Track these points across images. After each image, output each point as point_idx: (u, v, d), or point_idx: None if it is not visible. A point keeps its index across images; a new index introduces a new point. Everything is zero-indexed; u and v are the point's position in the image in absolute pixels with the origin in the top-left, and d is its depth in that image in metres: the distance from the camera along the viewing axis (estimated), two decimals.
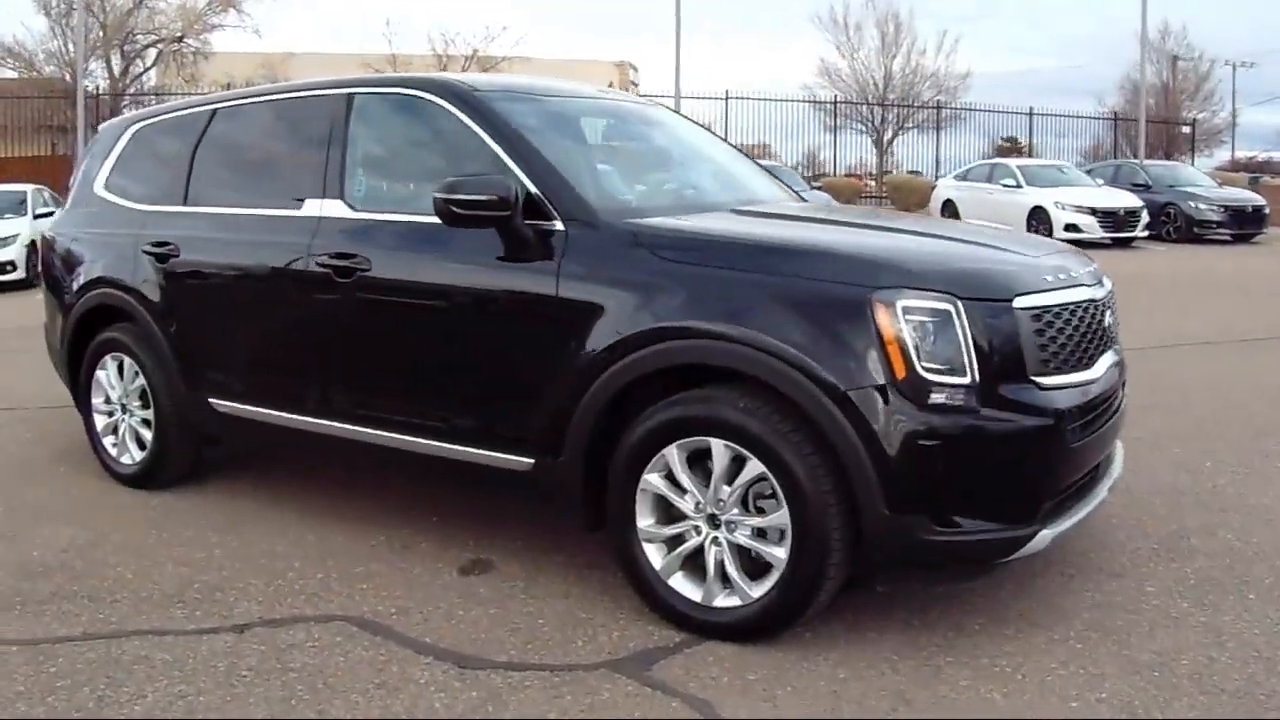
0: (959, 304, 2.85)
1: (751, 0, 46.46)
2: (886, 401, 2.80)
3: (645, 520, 3.14)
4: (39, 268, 13.57)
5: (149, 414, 4.55)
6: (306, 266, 3.84)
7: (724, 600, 3.05)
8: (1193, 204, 18.72)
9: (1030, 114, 26.57)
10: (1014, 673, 2.88)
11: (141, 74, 30.04)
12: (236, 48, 31.62)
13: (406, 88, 3.89)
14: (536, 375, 3.31)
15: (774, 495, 2.94)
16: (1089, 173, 20.23)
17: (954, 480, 2.83)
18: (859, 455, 2.82)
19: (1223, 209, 18.64)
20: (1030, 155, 25.81)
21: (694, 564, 3.11)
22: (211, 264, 4.25)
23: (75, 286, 4.78)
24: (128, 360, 4.59)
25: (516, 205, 3.27)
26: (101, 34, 28.29)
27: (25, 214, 14.05)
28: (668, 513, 3.14)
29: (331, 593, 3.47)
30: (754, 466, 2.95)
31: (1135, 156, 26.33)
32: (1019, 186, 18.36)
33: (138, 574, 3.65)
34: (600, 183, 3.73)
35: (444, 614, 3.30)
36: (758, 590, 2.99)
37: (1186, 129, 29.70)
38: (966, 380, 2.83)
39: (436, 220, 3.43)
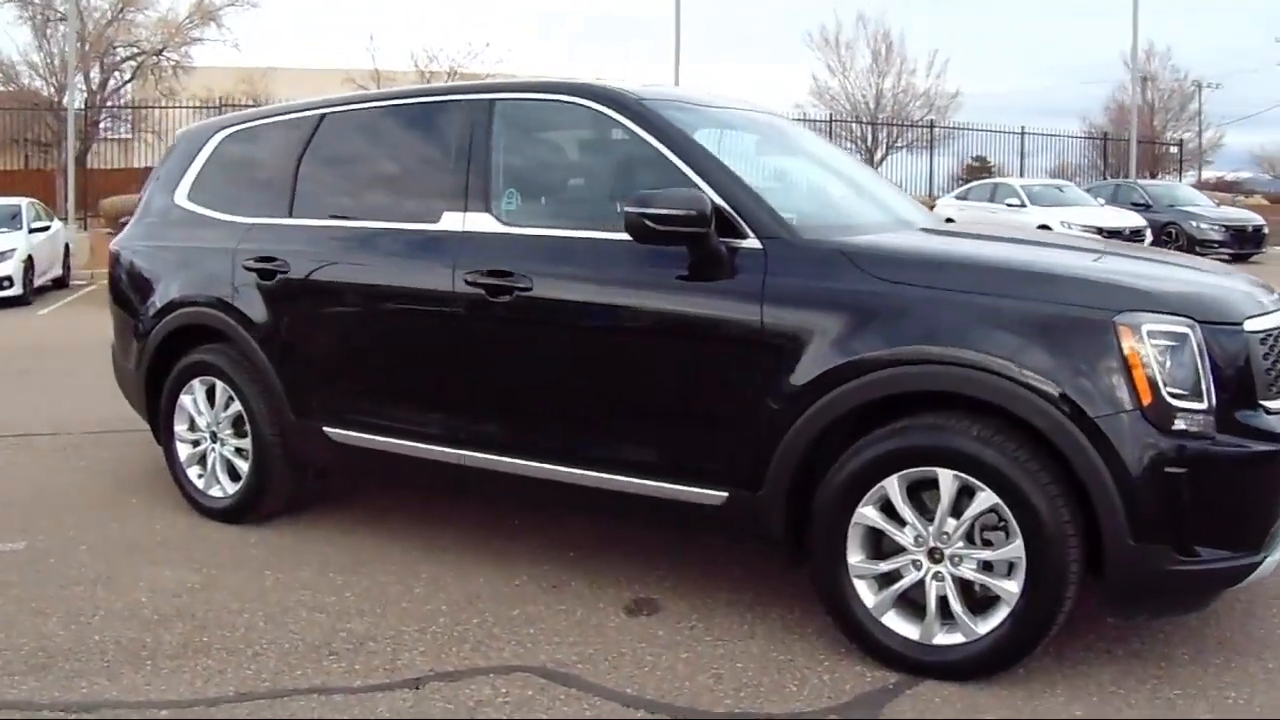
0: (1197, 328, 2.74)
1: (746, 21, 46.61)
2: (1134, 429, 2.69)
3: (856, 556, 2.95)
4: (34, 283, 13.16)
5: (245, 443, 4.19)
6: (452, 285, 3.53)
7: (944, 638, 2.87)
8: (1194, 223, 18.85)
9: (1022, 133, 26.77)
10: (1247, 704, 2.77)
11: (119, 88, 29.40)
12: (215, 62, 31.06)
13: (559, 94, 3.62)
14: (734, 403, 3.07)
15: (1002, 527, 2.80)
16: (1088, 192, 20.32)
17: (1196, 508, 2.70)
18: (1105, 485, 2.68)
19: (1224, 228, 18.79)
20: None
21: (905, 600, 2.94)
22: (330, 281, 3.92)
23: (156, 305, 4.41)
24: (220, 385, 4.23)
25: (713, 221, 3.05)
26: (79, 46, 27.60)
27: (20, 228, 13.48)
28: (879, 547, 2.95)
29: (497, 639, 3.16)
30: (986, 498, 2.78)
31: (1112, 177, 26.64)
32: (1023, 206, 18.38)
33: (270, 621, 3.30)
34: (779, 197, 3.48)
35: (632, 660, 3.01)
36: (984, 626, 2.83)
37: (1174, 149, 30.14)
38: (1205, 405, 2.71)
39: (609, 236, 3.29)
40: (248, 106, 27.97)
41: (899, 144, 27.36)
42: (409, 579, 3.65)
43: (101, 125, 28.42)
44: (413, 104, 4.02)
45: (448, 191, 3.66)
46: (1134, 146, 24.62)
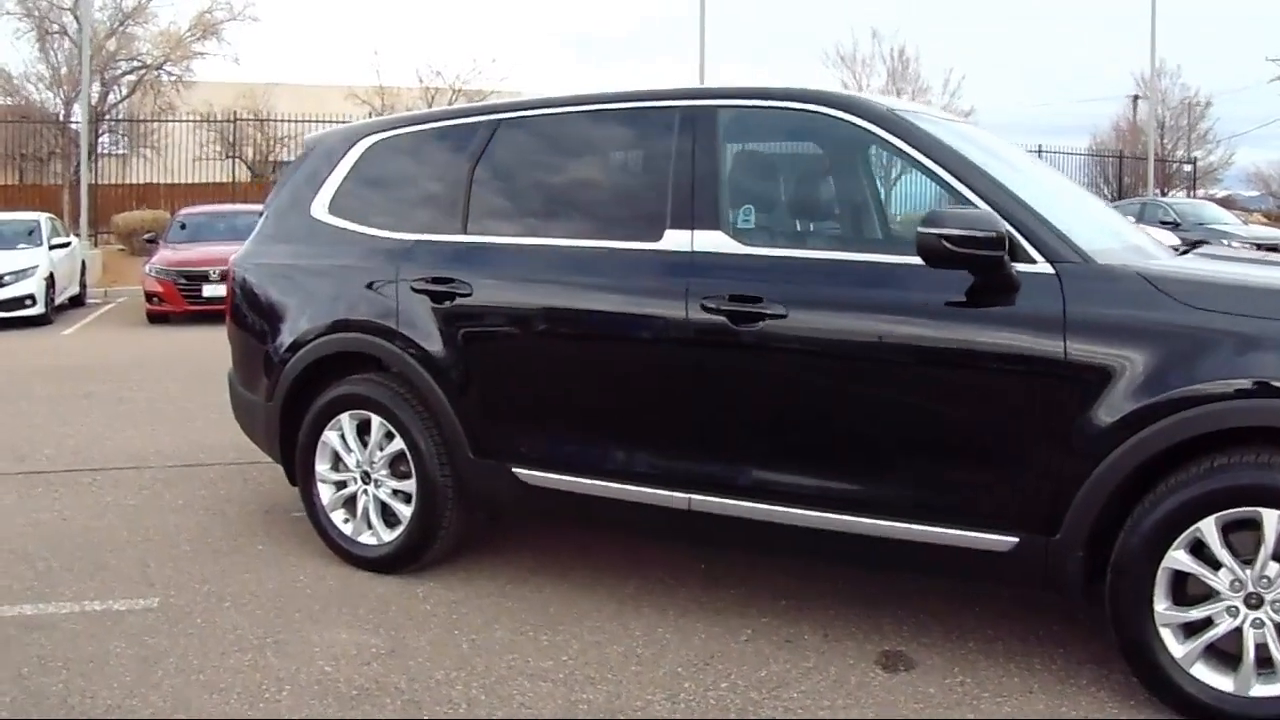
0: None
1: (763, 39, 46.28)
2: None
3: (1163, 603, 2.70)
4: (54, 301, 12.59)
5: (406, 485, 3.75)
6: (685, 312, 3.15)
7: (1262, 688, 2.62)
8: (1226, 242, 18.68)
9: (1039, 151, 26.65)
10: None
11: (118, 103, 28.88)
12: (216, 78, 30.61)
13: (798, 101, 3.27)
14: (1030, 441, 2.78)
15: None
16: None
17: None
18: None
19: (1255, 247, 18.62)
20: None
21: (1214, 650, 2.68)
22: (524, 305, 3.52)
23: (295, 330, 3.96)
24: (376, 420, 3.78)
25: (1006, 243, 2.78)
26: (89, 56, 27.06)
27: (40, 244, 12.92)
28: (1184, 593, 2.70)
29: (760, 705, 2.81)
30: None
31: (1116, 196, 26.56)
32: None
33: (490, 693, 2.88)
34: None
35: None
36: None
37: (1188, 166, 30.14)
38: None
39: (876, 258, 3.07)
40: (249, 121, 27.55)
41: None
42: (622, 637, 3.24)
43: (100, 140, 27.83)
44: (616, 110, 3.62)
45: (668, 207, 3.28)
46: (1151, 165, 24.54)
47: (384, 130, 4.11)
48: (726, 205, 3.25)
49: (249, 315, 4.23)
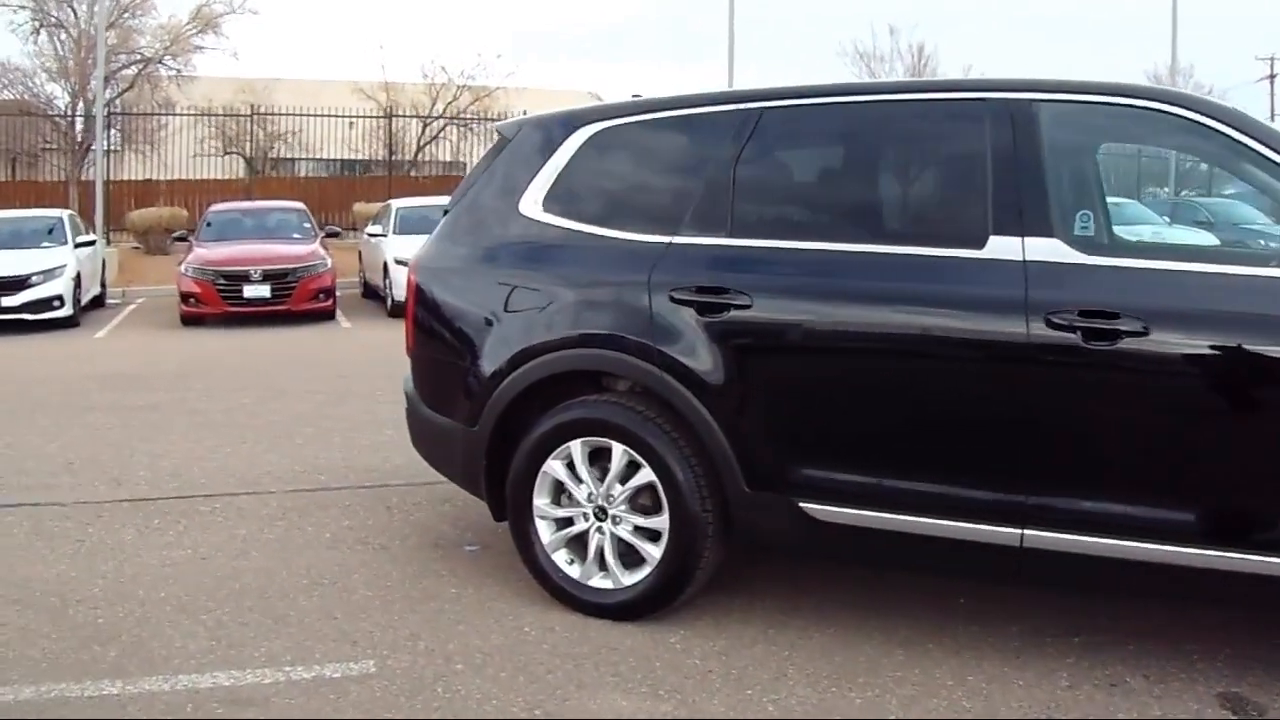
0: None
1: (781, 35, 45.67)
2: None
3: None
4: (81, 302, 11.86)
5: (653, 520, 3.23)
6: (1023, 327, 2.76)
7: None
8: (1262, 241, 18.40)
9: None
10: None
11: (115, 97, 28.04)
12: (215, 73, 29.82)
13: (1129, 97, 2.92)
14: None
15: None
16: None
17: None
18: None
19: None
20: None
21: None
22: (821, 319, 3.06)
23: (509, 345, 3.40)
24: (619, 447, 3.25)
25: None
26: (75, 53, 26.21)
27: (65, 242, 12.20)
28: None
29: None
30: None
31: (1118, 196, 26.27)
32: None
33: None
34: None
35: None
36: None
37: (1204, 165, 30.06)
38: None
39: (1252, 272, 2.78)
40: (267, 115, 26.74)
41: None
42: (935, 688, 2.82)
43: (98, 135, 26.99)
44: (911, 101, 3.16)
45: (987, 211, 2.88)
46: (1173, 162, 24.27)
47: (608, 118, 3.55)
48: (1061, 210, 2.88)
49: (441, 328, 3.67)
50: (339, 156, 29.63)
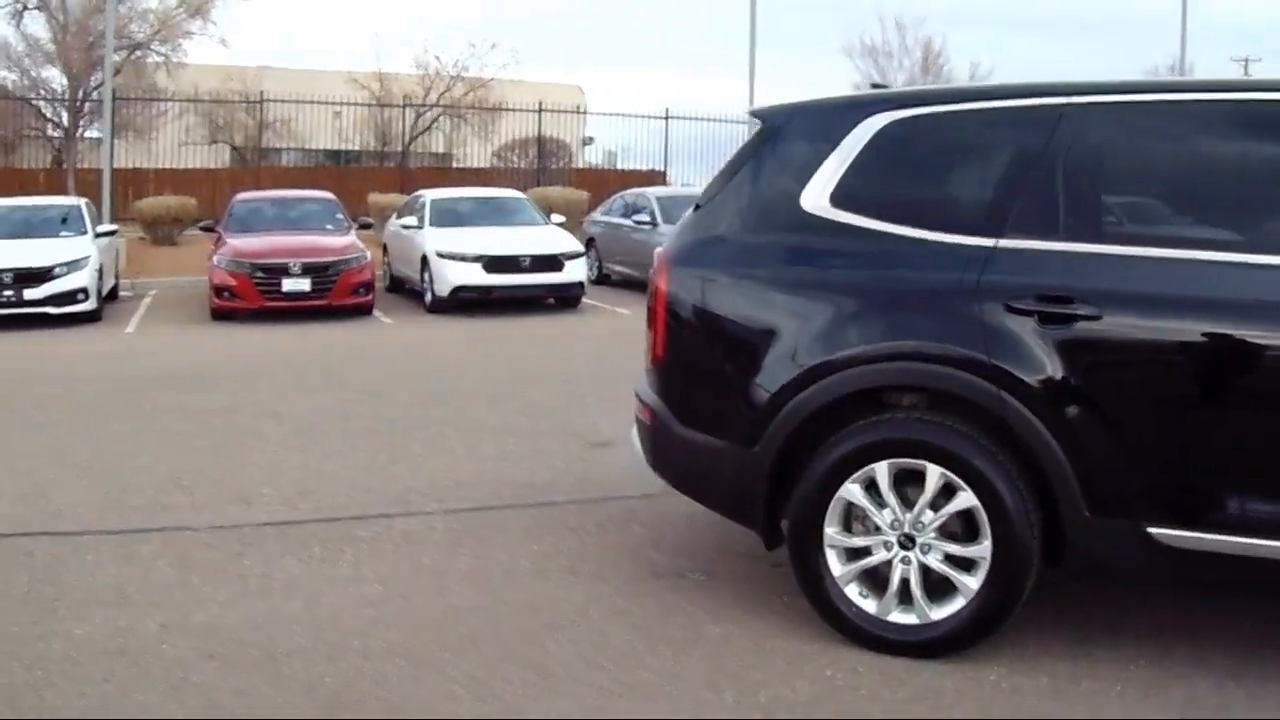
0: None
1: (788, 31, 45.09)
2: None
3: None
4: (106, 295, 11.10)
5: (974, 549, 2.84)
6: None
7: None
8: None
9: None
10: None
11: (99, 85, 27.08)
12: (205, 61, 28.91)
13: None
14: None
15: None
16: None
17: None
18: None
19: None
20: None
21: None
22: (1189, 333, 2.71)
23: (803, 357, 3.00)
24: (935, 470, 2.84)
25: None
26: (61, 37, 25.21)
27: (85, 232, 11.45)
28: None
29: None
30: None
31: None
32: None
33: None
34: None
35: None
36: None
37: None
38: None
39: None
40: (274, 102, 25.86)
41: None
42: None
43: (81, 123, 26.03)
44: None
45: None
46: None
47: (901, 107, 3.18)
48: None
49: (707, 337, 3.26)
50: (331, 147, 28.88)
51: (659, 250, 3.39)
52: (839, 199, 3.08)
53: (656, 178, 24.38)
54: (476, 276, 11.23)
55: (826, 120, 3.24)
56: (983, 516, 2.80)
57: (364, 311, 11.30)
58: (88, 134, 25.18)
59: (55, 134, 24.15)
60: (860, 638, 2.96)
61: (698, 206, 3.39)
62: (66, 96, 24.81)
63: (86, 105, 24.68)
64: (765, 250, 3.18)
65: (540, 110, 25.07)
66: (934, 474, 2.84)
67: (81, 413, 6.40)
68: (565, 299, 11.80)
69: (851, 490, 2.93)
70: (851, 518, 2.98)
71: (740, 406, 3.07)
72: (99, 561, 3.78)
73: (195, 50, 27.61)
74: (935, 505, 2.87)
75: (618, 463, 5.13)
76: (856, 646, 2.96)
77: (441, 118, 28.75)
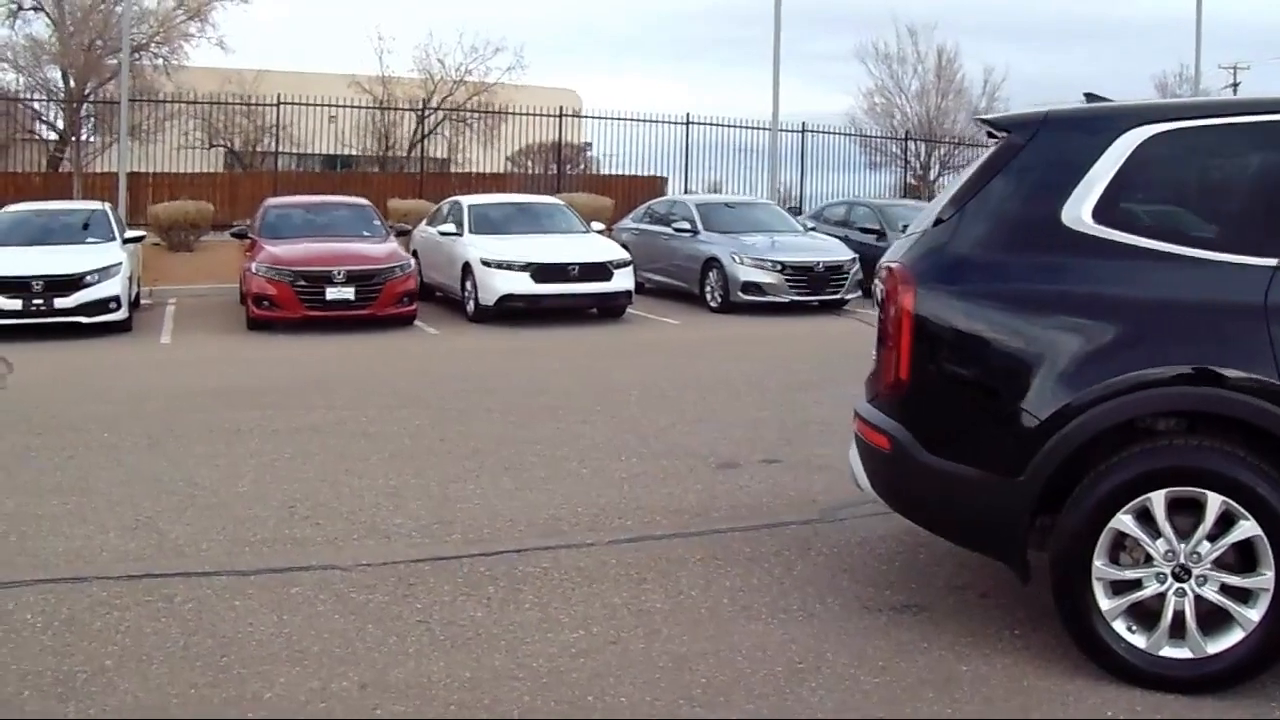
0: None
1: (800, 39, 44.73)
2: None
3: None
4: (135, 301, 10.62)
5: (1256, 579, 2.71)
6: None
7: None
8: None
9: None
10: None
11: (99, 85, 26.56)
12: (204, 64, 28.42)
13: None
14: None
15: None
16: None
17: None
18: None
19: None
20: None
21: None
22: None
23: (1077, 380, 2.82)
24: (1216, 499, 2.70)
25: None
26: (56, 40, 24.68)
27: (113, 238, 11.03)
28: None
29: None
30: None
31: None
32: None
33: None
34: None
35: None
36: None
37: None
38: None
39: None
40: (293, 105, 25.36)
41: (952, 162, 26.43)
42: None
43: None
44: None
45: None
46: None
47: (1165, 120, 3.04)
48: None
49: (962, 361, 3.09)
50: (332, 151, 28.44)
51: (895, 267, 3.15)
52: (1102, 215, 2.93)
53: (659, 184, 24.13)
54: (524, 285, 10.94)
55: (1081, 132, 3.10)
56: (1265, 546, 2.69)
57: (405, 321, 10.96)
58: (88, 137, 24.66)
59: (50, 136, 23.54)
60: (1128, 674, 2.81)
61: (939, 220, 3.13)
62: (64, 99, 24.26)
63: (85, 108, 24.16)
64: (1026, 268, 3.00)
65: (561, 115, 24.72)
66: (1215, 503, 2.71)
67: (156, 433, 6.05)
68: (610, 308, 11.52)
69: (1124, 521, 2.78)
70: (1119, 549, 2.82)
71: (1002, 434, 2.90)
72: (250, 608, 3.46)
73: (192, 53, 27.14)
74: (1213, 536, 2.73)
75: (754, 486, 4.90)
76: (1119, 682, 2.80)
77: (444, 122, 28.41)
